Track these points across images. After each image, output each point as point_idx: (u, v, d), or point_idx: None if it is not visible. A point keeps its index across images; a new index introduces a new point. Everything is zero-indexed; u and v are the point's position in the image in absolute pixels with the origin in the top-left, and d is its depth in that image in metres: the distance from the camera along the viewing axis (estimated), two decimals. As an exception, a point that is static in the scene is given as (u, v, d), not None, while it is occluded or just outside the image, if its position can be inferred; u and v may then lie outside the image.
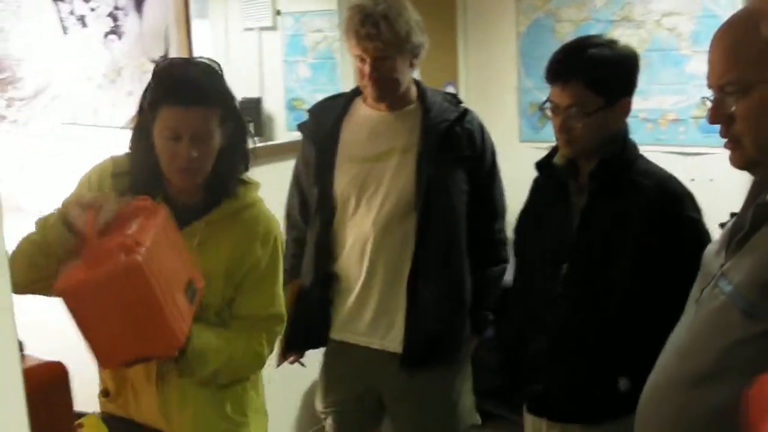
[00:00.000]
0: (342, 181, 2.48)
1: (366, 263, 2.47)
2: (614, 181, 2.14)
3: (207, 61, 1.95)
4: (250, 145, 2.02)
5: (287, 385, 3.23)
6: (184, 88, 1.85)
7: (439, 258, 2.46)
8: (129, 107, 2.99)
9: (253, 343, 2.01)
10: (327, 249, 2.52)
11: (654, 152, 3.94)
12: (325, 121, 2.53)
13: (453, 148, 2.45)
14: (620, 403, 1.97)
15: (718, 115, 1.48)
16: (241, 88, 4.31)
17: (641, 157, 2.21)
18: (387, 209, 2.44)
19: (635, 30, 4.04)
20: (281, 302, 2.08)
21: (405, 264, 2.45)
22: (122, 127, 2.92)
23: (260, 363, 2.06)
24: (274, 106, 4.15)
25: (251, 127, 4.26)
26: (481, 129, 2.53)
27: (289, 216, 2.69)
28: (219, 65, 1.96)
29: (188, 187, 1.95)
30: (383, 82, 2.40)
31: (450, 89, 4.59)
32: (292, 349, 2.63)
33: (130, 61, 2.99)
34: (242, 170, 2.02)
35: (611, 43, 2.15)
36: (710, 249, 1.62)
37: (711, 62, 1.49)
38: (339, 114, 2.53)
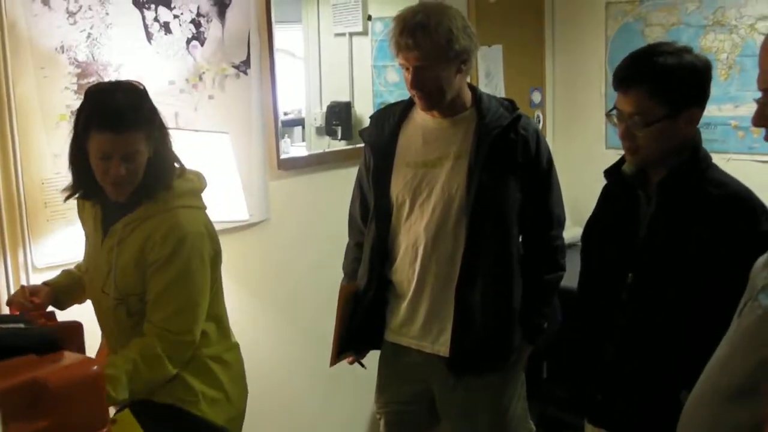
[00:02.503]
0: (397, 186, 2.52)
1: (418, 268, 2.50)
2: (683, 192, 2.09)
3: (133, 84, 2.20)
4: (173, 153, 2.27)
5: (360, 386, 3.27)
6: (113, 117, 2.10)
7: (489, 265, 2.46)
8: (210, 110, 3.09)
9: (151, 349, 2.16)
10: (382, 253, 2.56)
11: (746, 161, 3.87)
12: (383, 128, 2.58)
13: (506, 155, 2.44)
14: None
15: (760, 117, 1.45)
16: (331, 91, 4.42)
17: (713, 167, 2.15)
18: (438, 215, 2.46)
19: (728, 35, 3.92)
20: (190, 325, 2.22)
21: (455, 270, 2.46)
22: (202, 131, 3.02)
23: (163, 369, 2.18)
24: (364, 109, 4.21)
25: (339, 131, 4.35)
26: (537, 135, 2.51)
27: (351, 220, 2.75)
28: (143, 86, 2.21)
29: (119, 197, 2.21)
30: (427, 91, 2.42)
31: (536, 95, 4.55)
32: (346, 351, 2.66)
33: (211, 66, 3.09)
34: (170, 177, 2.25)
35: (682, 52, 2.10)
36: (760, 261, 1.57)
37: (760, 66, 1.46)
38: (397, 120, 2.57)
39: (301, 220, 3.54)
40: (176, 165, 2.30)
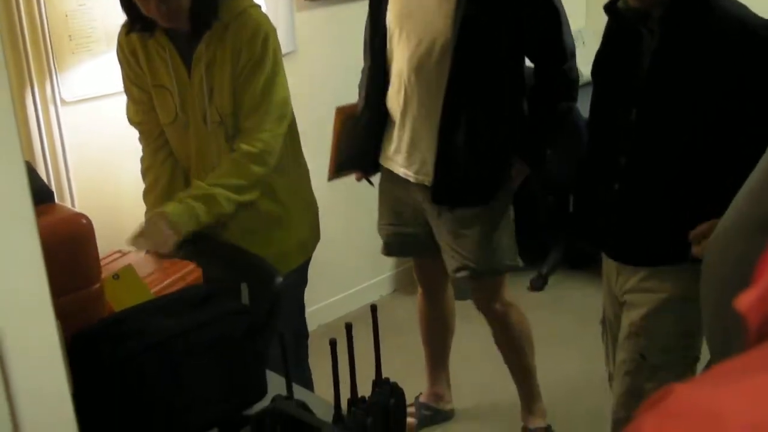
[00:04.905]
0: (391, 12, 2.49)
1: (402, 98, 2.51)
2: (687, 23, 2.00)
3: None
4: None
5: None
6: None
7: (473, 100, 2.43)
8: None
9: (239, 167, 2.25)
10: (375, 78, 2.58)
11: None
12: None
13: None
14: (689, 247, 1.95)
15: None
16: None
17: None
18: (423, 47, 2.42)
19: None
20: (281, 123, 2.28)
21: (437, 105, 2.44)
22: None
23: (254, 176, 2.26)
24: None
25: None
26: None
27: (364, 44, 2.74)
28: None
29: (172, 24, 2.20)
30: None
31: None
32: (347, 168, 2.75)
33: None
34: None
35: None
36: None
37: None
38: None
39: (328, 52, 3.53)
40: None
